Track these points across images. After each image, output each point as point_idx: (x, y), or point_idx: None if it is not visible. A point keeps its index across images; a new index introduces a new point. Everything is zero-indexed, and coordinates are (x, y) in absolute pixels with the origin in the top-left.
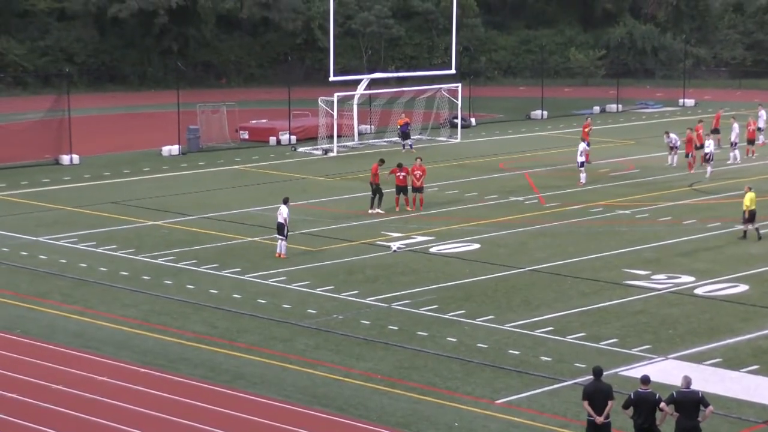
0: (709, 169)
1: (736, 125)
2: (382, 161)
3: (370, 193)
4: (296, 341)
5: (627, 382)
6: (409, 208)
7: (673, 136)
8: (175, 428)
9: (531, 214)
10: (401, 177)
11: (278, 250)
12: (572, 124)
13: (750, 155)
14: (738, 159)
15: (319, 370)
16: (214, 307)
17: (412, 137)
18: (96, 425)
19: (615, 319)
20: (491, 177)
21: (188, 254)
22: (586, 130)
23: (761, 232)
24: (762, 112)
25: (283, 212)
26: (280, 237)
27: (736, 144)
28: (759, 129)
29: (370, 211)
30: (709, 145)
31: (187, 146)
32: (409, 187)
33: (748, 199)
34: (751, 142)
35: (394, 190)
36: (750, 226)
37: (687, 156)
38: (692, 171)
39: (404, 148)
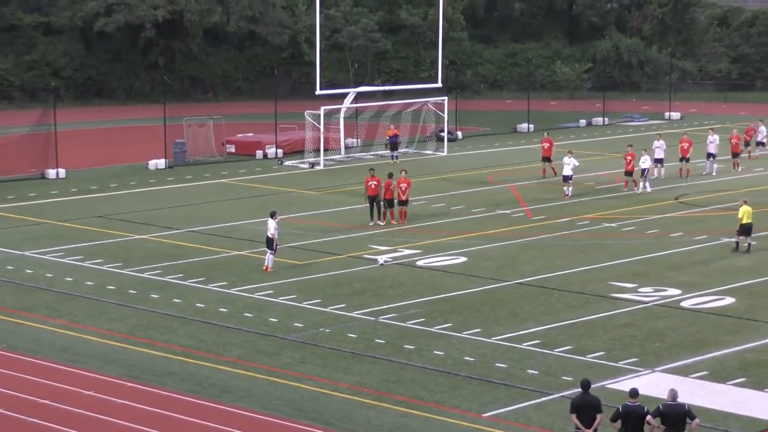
0: (646, 185)
1: (715, 137)
2: (372, 170)
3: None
4: (283, 355)
5: (614, 395)
6: (394, 222)
7: (657, 144)
8: None
9: (518, 227)
10: (390, 189)
11: (265, 264)
12: (558, 137)
13: (736, 168)
14: (714, 171)
15: (305, 383)
16: (200, 321)
17: (399, 150)
18: None
19: (602, 332)
20: (478, 190)
21: (175, 268)
22: (545, 146)
23: (752, 245)
24: (762, 128)
25: (270, 227)
26: (269, 251)
27: (713, 155)
28: (762, 143)
29: (370, 224)
30: (645, 161)
31: (173, 160)
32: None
33: (742, 213)
34: (735, 155)
35: (383, 203)
36: (743, 239)
37: (626, 174)
38: (627, 189)
39: (392, 159)
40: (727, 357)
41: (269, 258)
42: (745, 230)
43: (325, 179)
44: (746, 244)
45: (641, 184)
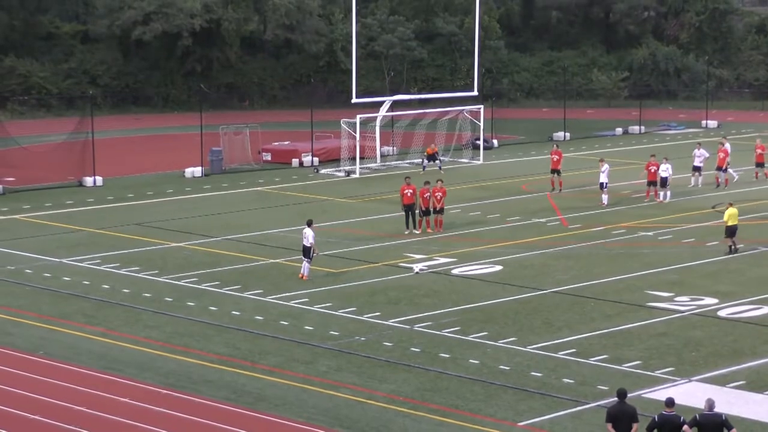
0: (667, 193)
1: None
2: (408, 179)
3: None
4: (318, 363)
5: (650, 405)
6: (429, 230)
7: (698, 153)
8: None
9: (553, 236)
10: (425, 198)
11: (302, 272)
12: (594, 146)
13: (757, 178)
14: (734, 179)
15: (341, 392)
16: (236, 329)
17: (428, 162)
18: None
19: (638, 341)
20: (513, 198)
21: (211, 276)
22: (555, 158)
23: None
24: None
25: (308, 235)
26: (306, 259)
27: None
28: None
29: (406, 232)
30: (667, 170)
31: (209, 168)
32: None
33: (727, 215)
34: (759, 165)
35: (419, 211)
36: (729, 241)
37: (649, 185)
38: (647, 199)
39: (424, 169)
40: (764, 367)
41: (305, 266)
42: (731, 232)
43: (361, 187)
44: (732, 246)
45: (661, 193)
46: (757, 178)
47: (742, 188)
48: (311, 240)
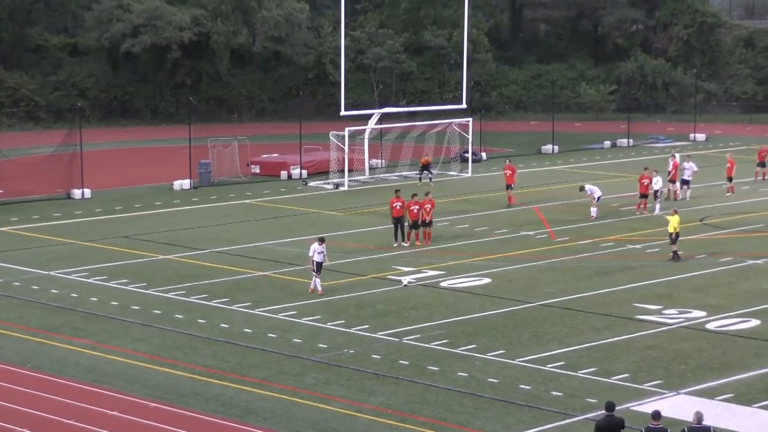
0: (656, 206)
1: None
2: (397, 192)
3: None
4: (307, 376)
5: (638, 418)
6: (418, 243)
7: (686, 166)
8: None
9: (541, 249)
10: (415, 211)
11: (312, 286)
12: (582, 159)
13: (731, 192)
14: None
15: (330, 404)
16: (224, 342)
17: (422, 172)
18: None
19: (626, 354)
20: (502, 211)
21: (199, 288)
22: (508, 173)
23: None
24: None
25: (310, 249)
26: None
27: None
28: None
29: (394, 245)
30: (657, 182)
31: (198, 180)
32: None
33: (675, 222)
34: (729, 179)
35: (407, 224)
36: (674, 247)
37: (640, 198)
38: (638, 212)
39: (420, 181)
40: (752, 379)
41: (315, 281)
42: (675, 239)
43: (350, 200)
44: (675, 253)
45: (650, 206)
46: (732, 192)
47: (724, 202)
48: (310, 253)
